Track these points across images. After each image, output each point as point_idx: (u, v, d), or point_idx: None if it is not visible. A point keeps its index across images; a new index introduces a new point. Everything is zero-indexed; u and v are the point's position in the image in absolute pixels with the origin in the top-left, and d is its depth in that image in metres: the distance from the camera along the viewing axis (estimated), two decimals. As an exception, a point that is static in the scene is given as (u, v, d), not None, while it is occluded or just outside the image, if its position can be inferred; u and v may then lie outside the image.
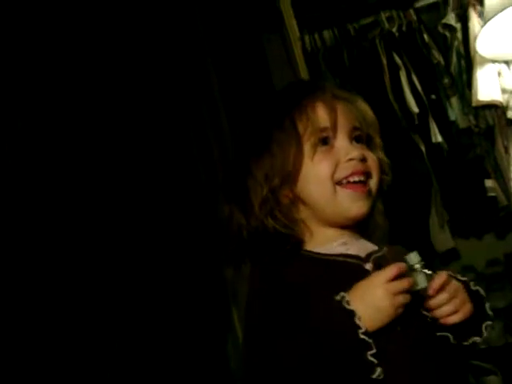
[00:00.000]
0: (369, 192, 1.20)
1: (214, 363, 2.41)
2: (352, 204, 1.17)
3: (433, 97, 3.07)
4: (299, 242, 1.19)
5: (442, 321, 1.09)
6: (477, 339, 1.14)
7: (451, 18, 2.99)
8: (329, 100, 1.22)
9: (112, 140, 2.28)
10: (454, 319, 1.09)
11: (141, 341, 2.17)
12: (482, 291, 1.18)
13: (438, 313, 1.09)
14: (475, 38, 2.57)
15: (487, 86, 2.66)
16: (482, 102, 2.69)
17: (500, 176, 2.94)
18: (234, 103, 2.43)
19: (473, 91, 2.73)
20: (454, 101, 3.06)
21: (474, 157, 3.08)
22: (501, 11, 2.32)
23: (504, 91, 2.66)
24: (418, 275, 1.07)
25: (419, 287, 1.07)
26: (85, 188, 2.16)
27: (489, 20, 2.39)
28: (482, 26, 2.46)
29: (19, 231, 1.99)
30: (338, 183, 1.17)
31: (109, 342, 2.09)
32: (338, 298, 1.04)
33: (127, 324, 2.14)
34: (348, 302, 1.03)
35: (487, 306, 1.16)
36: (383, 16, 3.21)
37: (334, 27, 3.25)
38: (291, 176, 1.18)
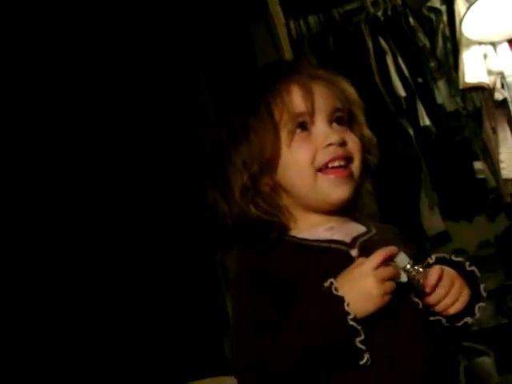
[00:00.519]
0: (350, 175, 1.17)
1: (209, 351, 2.41)
2: (333, 189, 1.15)
3: (420, 80, 3.06)
4: (284, 229, 1.17)
5: (444, 313, 1.08)
6: (469, 320, 1.13)
7: (436, 1, 2.99)
8: (305, 82, 1.18)
9: (97, 130, 2.27)
10: (454, 310, 1.08)
11: (135, 331, 2.17)
12: (477, 272, 1.17)
13: (438, 307, 1.08)
14: (461, 21, 2.56)
15: (474, 68, 2.65)
16: (469, 84, 2.69)
17: (488, 158, 2.94)
18: (220, 91, 2.42)
19: (459, 74, 2.72)
20: (441, 84, 3.06)
21: (462, 139, 3.09)
22: (486, -8, 2.32)
23: (490, 73, 2.66)
24: (409, 273, 1.06)
25: (414, 282, 1.06)
26: (72, 177, 2.15)
27: (474, 2, 2.38)
28: (468, 8, 2.45)
29: (15, 232, 1.99)
30: (319, 170, 1.15)
31: (102, 334, 2.08)
32: (326, 284, 1.03)
33: (120, 315, 2.14)
34: (336, 289, 1.02)
35: (482, 286, 1.15)
36: (368, 0, 3.20)
37: (319, 13, 3.24)
38: (270, 163, 1.16)
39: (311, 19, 3.24)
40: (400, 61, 3.07)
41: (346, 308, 1.00)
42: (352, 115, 1.24)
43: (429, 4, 3.01)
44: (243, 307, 1.10)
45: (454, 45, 2.88)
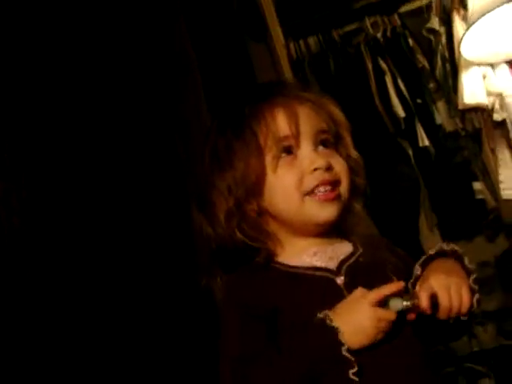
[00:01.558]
0: (338, 197, 1.15)
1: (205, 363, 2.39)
2: (321, 210, 1.14)
3: (419, 101, 3.07)
4: (270, 254, 1.15)
5: (462, 317, 1.06)
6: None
7: (435, 23, 3.00)
8: (290, 104, 1.16)
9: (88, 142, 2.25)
10: (465, 308, 1.05)
11: (129, 345, 2.15)
12: (468, 265, 1.14)
13: (451, 315, 1.06)
14: (459, 42, 2.58)
15: (473, 89, 2.66)
16: (468, 105, 2.70)
17: (488, 178, 2.95)
18: (219, 112, 2.42)
19: (458, 94, 2.73)
20: (440, 104, 3.07)
21: (462, 160, 3.09)
22: (485, 14, 2.33)
23: (489, 94, 2.67)
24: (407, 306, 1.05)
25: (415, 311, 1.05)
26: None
27: (472, 23, 2.39)
28: (466, 30, 2.47)
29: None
30: (306, 194, 1.13)
31: (97, 342, 2.07)
32: (320, 315, 1.02)
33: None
34: (330, 320, 1.01)
35: (472, 278, 1.10)
36: (368, 22, 3.22)
37: (319, 34, 3.26)
38: (255, 188, 1.14)
39: (311, 40, 3.26)
40: (399, 81, 3.08)
41: (340, 338, 0.99)
42: (338, 137, 1.23)
43: (428, 25, 3.03)
44: (232, 335, 1.09)
45: (453, 66, 2.89)
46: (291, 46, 3.20)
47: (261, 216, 1.17)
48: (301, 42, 3.26)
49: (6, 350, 1.77)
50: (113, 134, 2.29)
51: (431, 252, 1.15)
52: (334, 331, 1.00)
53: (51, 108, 2.17)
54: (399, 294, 1.04)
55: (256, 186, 1.15)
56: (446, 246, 1.17)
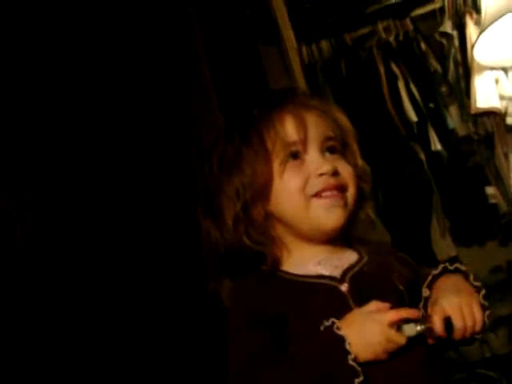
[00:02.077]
0: (345, 202, 1.15)
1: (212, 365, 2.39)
2: (328, 215, 1.13)
3: (431, 105, 3.07)
4: (276, 261, 1.16)
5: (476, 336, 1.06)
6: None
7: (448, 26, 2.99)
8: (298, 112, 1.17)
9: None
10: (479, 326, 1.04)
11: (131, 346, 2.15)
12: (475, 282, 1.12)
13: (467, 335, 1.05)
14: (472, 46, 2.57)
15: (485, 93, 2.65)
16: (481, 109, 2.69)
17: (501, 183, 2.94)
18: (231, 117, 2.42)
19: (471, 99, 2.73)
20: (453, 109, 3.06)
21: (474, 164, 3.08)
22: (498, 18, 2.32)
23: (502, 98, 2.66)
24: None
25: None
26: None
27: (486, 27, 2.39)
28: (479, 34, 2.46)
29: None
30: (312, 196, 1.14)
31: (99, 343, 2.07)
32: (327, 323, 1.03)
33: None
34: (338, 328, 1.01)
35: (481, 294, 1.09)
36: (380, 26, 3.22)
37: (332, 38, 3.26)
38: (262, 193, 1.15)
39: (323, 44, 3.26)
40: (412, 86, 3.08)
41: (347, 347, 0.99)
42: (345, 144, 1.23)
43: (440, 29, 3.03)
44: (239, 340, 1.09)
45: (465, 70, 2.89)
46: (303, 49, 3.21)
47: (267, 221, 1.17)
48: (313, 46, 3.26)
49: (11, 344, 1.78)
50: (126, 137, 2.30)
51: (435, 272, 1.13)
52: (341, 339, 1.00)
53: (65, 111, 2.19)
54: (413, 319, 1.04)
55: (263, 191, 1.15)
56: (450, 266, 1.14)
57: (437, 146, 3.03)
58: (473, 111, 2.75)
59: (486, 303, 1.08)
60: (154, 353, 2.14)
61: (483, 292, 1.09)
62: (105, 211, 2.20)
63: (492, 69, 2.64)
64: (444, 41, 3.04)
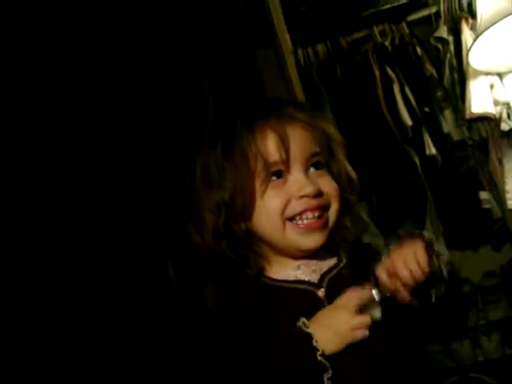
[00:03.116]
0: (325, 224, 1.16)
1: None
2: (303, 239, 1.14)
3: (426, 109, 3.07)
4: (260, 268, 1.17)
5: (420, 279, 1.06)
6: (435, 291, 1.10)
7: (443, 31, 3.00)
8: (281, 127, 1.15)
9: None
10: (424, 268, 1.06)
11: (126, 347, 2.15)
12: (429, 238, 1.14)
13: (410, 279, 1.06)
14: (468, 51, 2.58)
15: (480, 99, 2.66)
16: (476, 114, 2.70)
17: (494, 188, 2.94)
18: (225, 120, 2.42)
19: (466, 104, 2.74)
20: (448, 113, 3.07)
21: (468, 169, 3.08)
22: (493, 24, 2.33)
23: (497, 103, 2.67)
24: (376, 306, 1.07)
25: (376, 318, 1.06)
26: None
27: (481, 33, 2.40)
28: (475, 39, 2.47)
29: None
30: (290, 219, 1.14)
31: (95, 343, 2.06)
32: (298, 323, 1.05)
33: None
34: (307, 326, 1.04)
35: (436, 246, 1.12)
36: (376, 30, 3.23)
37: (327, 41, 3.27)
38: (243, 211, 1.14)
39: (319, 47, 3.27)
40: (407, 90, 3.08)
41: (315, 344, 1.02)
42: (331, 153, 1.22)
43: (436, 34, 3.03)
44: (219, 340, 1.12)
45: (460, 75, 2.89)
46: (299, 52, 3.21)
47: (248, 235, 1.17)
48: (309, 49, 3.26)
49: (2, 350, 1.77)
50: (121, 140, 2.30)
51: (392, 246, 1.14)
52: (309, 337, 1.02)
53: (63, 112, 2.18)
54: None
55: (244, 209, 1.14)
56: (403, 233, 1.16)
57: (431, 150, 3.04)
58: (467, 116, 2.76)
59: (438, 251, 1.12)
60: (145, 351, 2.14)
61: (428, 239, 1.12)
62: (104, 211, 2.20)
63: (487, 74, 2.65)
64: (439, 46, 3.04)
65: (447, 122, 3.05)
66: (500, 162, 2.78)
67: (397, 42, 3.18)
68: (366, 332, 1.04)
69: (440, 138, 3.06)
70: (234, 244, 1.16)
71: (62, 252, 2.03)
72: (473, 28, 2.72)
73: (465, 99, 2.76)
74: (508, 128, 2.63)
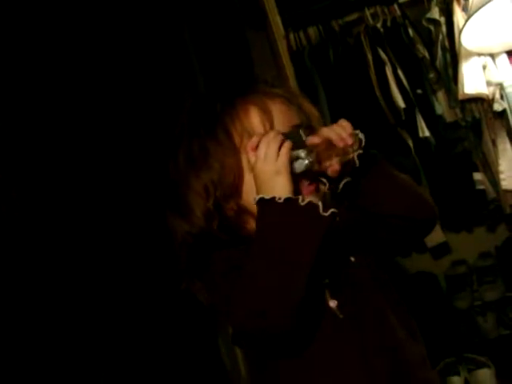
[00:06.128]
0: (316, 189, 1.17)
1: (208, 364, 2.40)
2: None
3: (419, 91, 3.06)
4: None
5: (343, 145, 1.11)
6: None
7: (435, 12, 2.98)
8: (262, 101, 1.17)
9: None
10: (348, 130, 1.11)
11: (130, 344, 2.15)
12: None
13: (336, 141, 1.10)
14: (460, 32, 2.56)
15: (473, 79, 2.65)
16: (468, 95, 2.69)
17: (488, 169, 2.94)
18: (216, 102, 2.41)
19: (459, 85, 2.72)
20: (441, 95, 3.06)
21: (462, 150, 3.08)
22: (485, 4, 2.32)
23: (489, 84, 2.66)
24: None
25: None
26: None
27: (473, 13, 2.38)
28: (467, 20, 2.45)
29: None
30: None
31: (98, 343, 2.07)
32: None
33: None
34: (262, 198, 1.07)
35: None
36: (367, 12, 3.21)
37: (319, 24, 3.25)
38: (233, 189, 1.15)
39: (311, 30, 3.25)
40: (399, 72, 3.07)
41: (279, 201, 1.05)
42: (311, 129, 1.22)
43: (428, 15, 3.02)
44: (219, 284, 1.13)
45: (453, 56, 2.88)
46: (291, 36, 3.19)
47: (240, 215, 1.18)
48: (300, 33, 3.24)
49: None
50: (113, 134, 2.29)
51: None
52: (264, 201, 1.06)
53: (57, 109, 2.18)
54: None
55: (234, 187, 1.15)
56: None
57: (425, 132, 3.03)
58: (460, 97, 2.75)
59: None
60: (144, 351, 2.15)
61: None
62: (104, 212, 2.20)
63: (479, 55, 2.64)
64: (431, 27, 3.03)
65: (440, 104, 3.05)
66: (493, 142, 2.77)
67: (389, 24, 3.16)
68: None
69: (433, 120, 3.06)
70: (225, 225, 1.16)
71: (62, 252, 2.04)
72: (465, 9, 2.70)
73: (457, 80, 2.75)
74: (501, 108, 2.61)
